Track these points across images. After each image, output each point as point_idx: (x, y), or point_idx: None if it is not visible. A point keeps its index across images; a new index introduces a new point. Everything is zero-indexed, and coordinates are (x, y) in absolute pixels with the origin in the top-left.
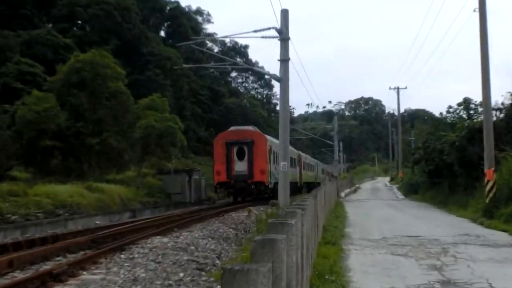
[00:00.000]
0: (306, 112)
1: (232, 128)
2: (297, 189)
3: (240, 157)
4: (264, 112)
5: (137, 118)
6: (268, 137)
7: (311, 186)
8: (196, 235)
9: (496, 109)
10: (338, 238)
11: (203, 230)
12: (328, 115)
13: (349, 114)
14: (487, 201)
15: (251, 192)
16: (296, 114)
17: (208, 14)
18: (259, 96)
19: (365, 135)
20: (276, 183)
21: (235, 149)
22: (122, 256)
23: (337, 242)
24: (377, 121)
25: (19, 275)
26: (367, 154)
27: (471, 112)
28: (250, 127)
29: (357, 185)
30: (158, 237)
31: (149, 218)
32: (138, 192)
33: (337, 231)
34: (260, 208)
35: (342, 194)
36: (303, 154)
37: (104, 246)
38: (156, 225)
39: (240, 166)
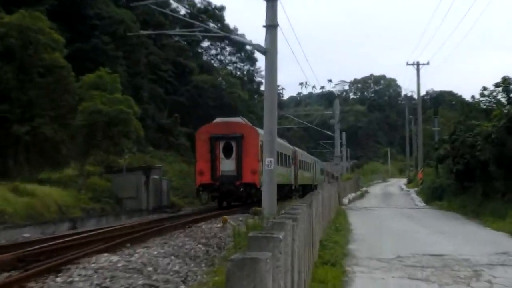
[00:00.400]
0: (299, 94)
1: (218, 120)
2: (291, 193)
3: (227, 154)
4: (244, 94)
5: (80, 100)
6: (260, 130)
7: (308, 190)
8: (155, 252)
9: None
10: (340, 257)
11: (164, 245)
12: (327, 98)
13: (354, 97)
14: None
15: (240, 196)
16: (286, 96)
17: None
18: (238, 73)
19: (375, 125)
20: None
21: (221, 145)
22: (58, 279)
23: (338, 263)
24: (391, 107)
25: None
26: (378, 148)
27: None
28: (238, 119)
29: (364, 189)
30: (106, 254)
31: (94, 230)
32: (80, 196)
33: (338, 248)
34: (240, 217)
35: (345, 200)
36: (299, 150)
37: (34, 267)
38: (103, 239)
39: (227, 165)
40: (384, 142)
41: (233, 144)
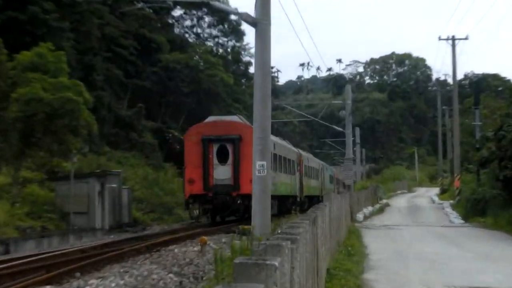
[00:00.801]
0: (300, 78)
1: (211, 118)
2: (295, 205)
3: (222, 159)
4: (228, 77)
5: (13, 86)
6: None
7: (315, 202)
8: (113, 284)
9: None
10: None
11: (124, 275)
12: (335, 84)
13: (371, 81)
14: None
15: (237, 209)
16: (282, 80)
17: None
18: (221, 51)
19: (397, 117)
20: (273, 197)
21: (215, 149)
22: None
23: None
24: (418, 94)
25: None
26: (401, 148)
27: None
28: (235, 117)
29: (384, 201)
30: (48, 287)
31: (32, 256)
32: (14, 211)
33: (351, 279)
34: (223, 238)
35: (360, 216)
36: (304, 154)
37: None
38: (45, 267)
39: (222, 173)
40: (410, 140)
41: (229, 147)
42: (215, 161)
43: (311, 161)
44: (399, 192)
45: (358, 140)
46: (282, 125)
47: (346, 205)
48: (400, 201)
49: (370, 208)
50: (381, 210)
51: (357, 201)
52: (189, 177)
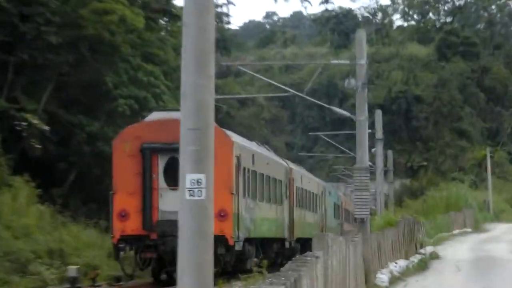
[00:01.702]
0: (270, 16)
1: (156, 115)
2: (280, 254)
3: (173, 180)
4: (135, 16)
5: None
6: (234, 137)
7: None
8: None
9: None
10: None
11: None
12: (338, 28)
13: (404, 24)
14: None
15: None
16: (238, 22)
17: None
18: None
19: (454, 92)
20: (248, 240)
21: (161, 164)
22: None
23: None
24: (493, 49)
25: None
26: (462, 150)
27: None
28: None
29: (429, 249)
30: None
31: None
32: None
33: None
34: None
35: (383, 277)
36: (295, 168)
37: None
38: None
39: (173, 202)
40: (478, 134)
41: None
42: (162, 183)
43: (306, 180)
44: (456, 231)
45: (379, 134)
46: (238, 106)
47: (356, 257)
48: (459, 249)
49: (401, 263)
50: (422, 266)
51: (378, 249)
52: (120, 208)
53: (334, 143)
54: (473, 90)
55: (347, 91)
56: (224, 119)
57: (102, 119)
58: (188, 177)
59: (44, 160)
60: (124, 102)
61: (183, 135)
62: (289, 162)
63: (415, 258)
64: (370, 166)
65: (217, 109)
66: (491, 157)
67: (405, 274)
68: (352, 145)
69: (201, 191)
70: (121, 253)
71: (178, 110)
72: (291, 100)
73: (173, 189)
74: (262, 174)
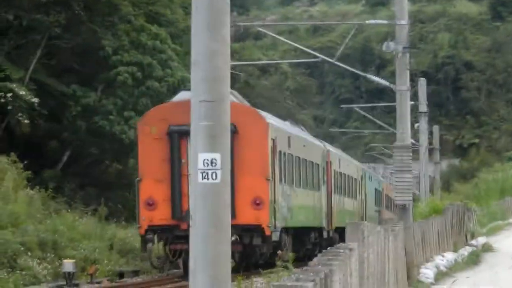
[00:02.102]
0: None
1: (183, 94)
2: (317, 244)
3: None
4: None
5: None
6: (269, 118)
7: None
8: None
9: None
10: None
11: None
12: None
13: None
14: None
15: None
16: None
17: None
18: None
19: (511, 57)
20: (285, 230)
21: (190, 148)
22: None
23: None
24: None
25: None
26: None
27: None
28: None
29: (481, 239)
30: None
31: None
32: None
33: None
34: None
35: (428, 272)
36: (333, 150)
37: None
38: None
39: None
40: None
41: None
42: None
43: (345, 163)
44: None
45: (423, 106)
46: (258, 74)
47: (397, 250)
48: None
49: (449, 256)
50: (473, 260)
51: (422, 240)
52: (147, 196)
53: (370, 117)
54: None
55: (386, 57)
56: (242, 89)
57: (99, 89)
58: (200, 157)
59: (33, 138)
60: (125, 69)
61: (195, 108)
62: (326, 144)
63: (465, 251)
64: (413, 144)
65: (234, 78)
66: None
67: (453, 269)
68: (391, 119)
69: (216, 173)
70: (149, 244)
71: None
72: (320, 67)
73: None
74: (299, 158)
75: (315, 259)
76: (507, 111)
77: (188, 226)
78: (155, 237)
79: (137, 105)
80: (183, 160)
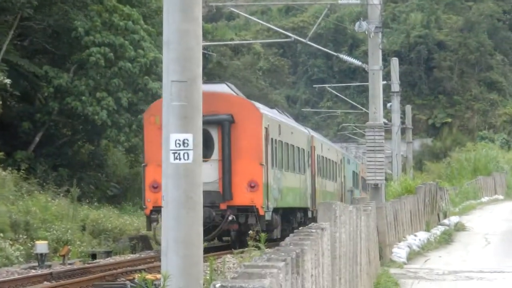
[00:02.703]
0: None
1: None
2: (303, 223)
3: (204, 152)
4: None
5: None
6: (262, 109)
7: None
8: None
9: None
10: None
11: None
12: None
13: None
14: None
15: (227, 230)
16: None
17: None
18: None
19: (483, 37)
20: (275, 210)
21: None
22: None
23: None
24: None
25: None
26: (492, 105)
27: None
28: (223, 86)
29: (453, 219)
30: None
31: None
32: None
33: None
34: None
35: (400, 252)
36: (316, 136)
37: None
38: None
39: (204, 173)
40: (509, 87)
41: (214, 133)
42: None
43: (327, 148)
44: (486, 199)
45: (396, 86)
46: (230, 54)
47: (369, 229)
48: (488, 220)
49: (422, 236)
50: (446, 240)
51: (394, 219)
52: (152, 180)
53: (343, 97)
54: (505, 34)
55: (358, 37)
56: (214, 69)
57: (71, 70)
58: (172, 137)
59: (5, 119)
60: (97, 50)
61: (166, 88)
62: (310, 130)
63: (438, 230)
64: (385, 123)
65: (206, 58)
66: None
67: (426, 248)
68: (364, 99)
69: (187, 153)
70: (154, 223)
71: (210, 82)
72: (293, 47)
73: (204, 161)
74: (287, 144)
75: (287, 239)
76: (479, 91)
77: None
78: (159, 216)
79: (109, 86)
80: None
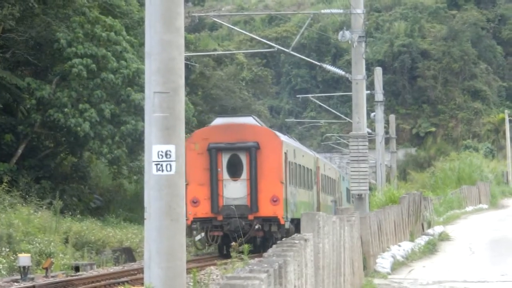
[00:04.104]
0: None
1: (219, 120)
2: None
3: (235, 173)
4: None
5: None
6: (282, 137)
7: None
8: None
9: None
10: None
11: None
12: None
13: None
14: None
15: (254, 237)
16: None
17: None
18: None
19: (467, 46)
20: (292, 220)
21: (225, 160)
22: None
23: None
24: None
25: None
26: (476, 114)
27: None
28: (250, 119)
29: (437, 228)
30: None
31: None
32: None
33: None
34: None
35: (384, 262)
36: (320, 158)
37: None
38: None
39: (235, 190)
40: (495, 95)
41: (243, 158)
42: (225, 175)
43: (328, 168)
44: (470, 208)
45: (379, 96)
46: (213, 65)
47: (353, 240)
48: (472, 229)
49: (406, 246)
50: (430, 249)
51: (378, 229)
52: (192, 196)
53: (326, 107)
54: (488, 43)
55: (342, 46)
56: (197, 80)
57: (54, 82)
58: (155, 149)
59: None
60: (79, 62)
61: (148, 100)
62: (315, 153)
63: (422, 240)
64: (369, 133)
65: (189, 69)
66: (510, 121)
67: (410, 258)
68: (347, 109)
69: (170, 165)
70: (194, 232)
71: (239, 115)
72: (276, 57)
73: (235, 180)
74: (300, 165)
75: (269, 250)
76: (463, 100)
77: (223, 217)
78: (198, 226)
79: (92, 98)
80: (219, 169)
